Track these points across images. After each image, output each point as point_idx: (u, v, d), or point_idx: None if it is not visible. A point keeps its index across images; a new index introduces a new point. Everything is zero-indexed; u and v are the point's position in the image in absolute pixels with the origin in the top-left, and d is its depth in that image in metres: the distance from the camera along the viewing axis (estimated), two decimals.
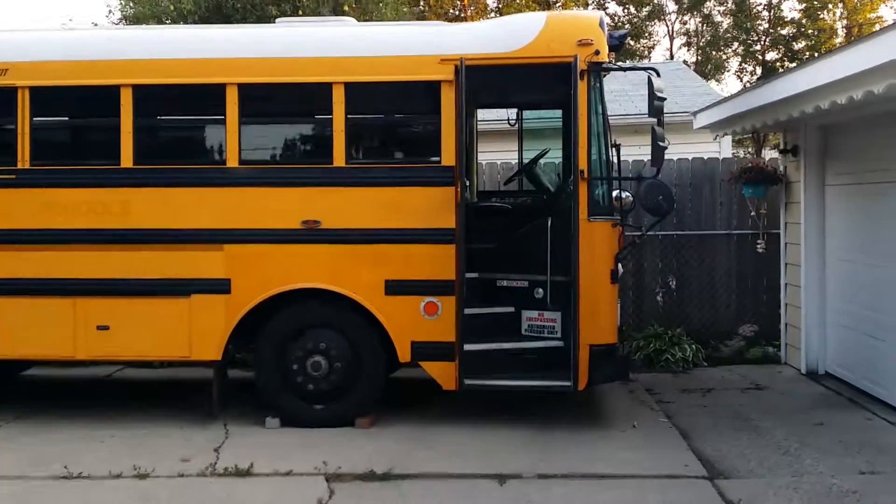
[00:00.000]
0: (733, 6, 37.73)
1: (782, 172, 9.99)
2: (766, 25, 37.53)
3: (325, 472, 6.31)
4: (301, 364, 7.45)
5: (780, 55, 37.12)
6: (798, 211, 9.54)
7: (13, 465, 6.56)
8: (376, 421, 7.52)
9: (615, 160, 7.57)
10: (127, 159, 7.48)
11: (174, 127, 8.09)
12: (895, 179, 7.74)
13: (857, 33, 32.73)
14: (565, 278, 7.20)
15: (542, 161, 9.36)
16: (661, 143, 6.88)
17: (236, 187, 7.44)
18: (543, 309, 7.52)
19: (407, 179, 7.38)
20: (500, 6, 33.52)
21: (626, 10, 39.52)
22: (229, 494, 5.99)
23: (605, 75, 7.34)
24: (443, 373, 7.32)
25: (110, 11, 33.64)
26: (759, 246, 10.29)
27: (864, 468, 6.33)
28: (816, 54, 28.17)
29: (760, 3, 37.39)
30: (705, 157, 11.21)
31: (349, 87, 7.34)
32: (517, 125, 9.83)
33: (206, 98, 7.60)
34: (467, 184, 7.83)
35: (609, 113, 7.52)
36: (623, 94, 15.45)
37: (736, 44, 38.97)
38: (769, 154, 14.06)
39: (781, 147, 10.15)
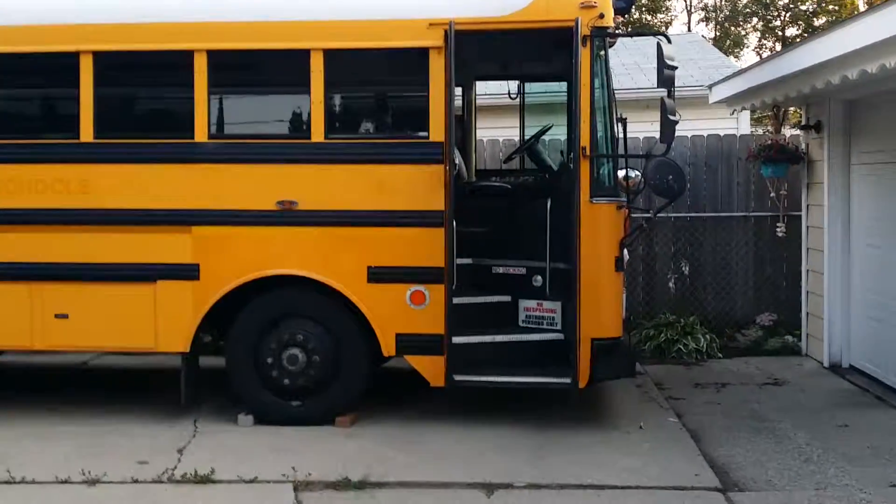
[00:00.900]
0: None
1: (804, 151, 9.43)
2: (787, 0, 36.72)
3: (294, 480, 5.71)
4: (276, 357, 6.87)
5: (801, 30, 36.38)
6: (821, 192, 8.96)
7: None
8: (358, 419, 6.94)
9: (621, 136, 7.00)
10: (87, 133, 6.89)
11: (138, 98, 7.45)
12: None
13: None
14: (566, 265, 6.63)
15: (547, 138, 8.73)
16: (671, 117, 6.23)
17: (205, 164, 6.86)
18: (542, 298, 6.95)
19: (391, 156, 6.78)
20: None
21: None
22: None
23: (610, 43, 6.77)
24: (430, 368, 6.75)
25: None
26: (778, 229, 9.79)
27: None
28: None
29: None
30: (721, 134, 10.64)
31: (329, 54, 6.73)
32: (518, 99, 9.20)
33: (172, 66, 6.99)
34: (457, 161, 7.24)
35: (620, 87, 6.93)
36: (635, 67, 14.78)
37: (755, 19, 38.37)
38: (789, 133, 13.42)
39: (803, 123, 9.58)
